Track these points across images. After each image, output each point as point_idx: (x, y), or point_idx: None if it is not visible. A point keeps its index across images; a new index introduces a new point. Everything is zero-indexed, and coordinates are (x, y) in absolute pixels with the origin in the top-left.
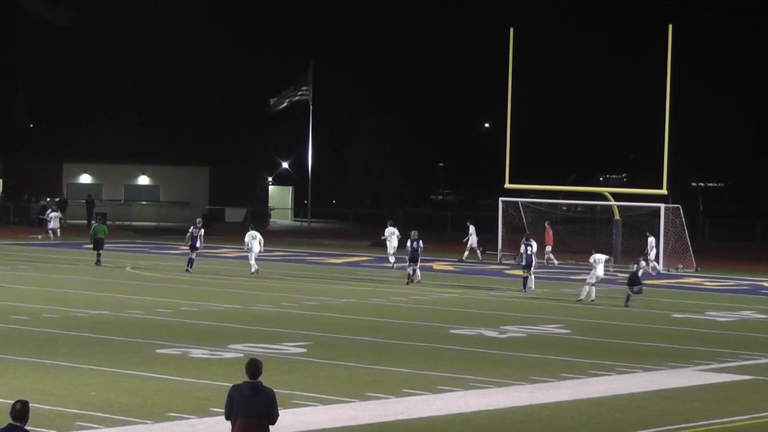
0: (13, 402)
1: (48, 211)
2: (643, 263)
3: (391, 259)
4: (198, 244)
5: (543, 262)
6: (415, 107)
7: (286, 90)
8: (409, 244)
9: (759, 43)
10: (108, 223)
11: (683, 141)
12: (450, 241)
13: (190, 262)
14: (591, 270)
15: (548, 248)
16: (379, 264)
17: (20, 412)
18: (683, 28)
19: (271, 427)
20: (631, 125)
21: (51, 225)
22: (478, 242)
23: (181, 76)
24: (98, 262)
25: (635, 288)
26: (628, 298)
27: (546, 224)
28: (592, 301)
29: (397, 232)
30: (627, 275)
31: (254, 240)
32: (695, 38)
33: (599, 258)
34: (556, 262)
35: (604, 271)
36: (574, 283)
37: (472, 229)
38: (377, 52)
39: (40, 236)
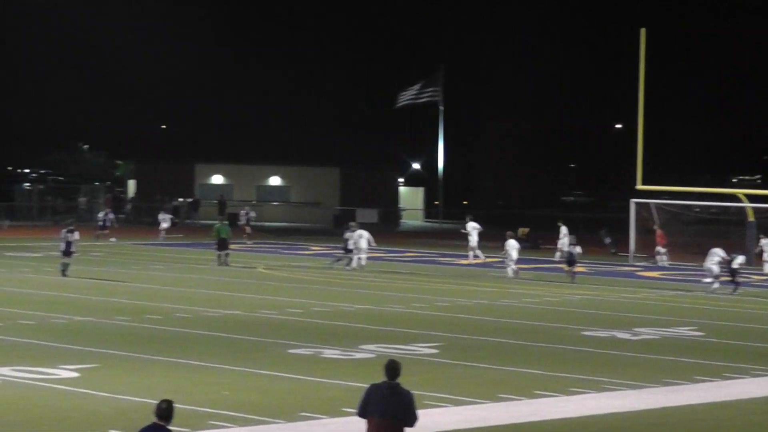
0: (157, 401)
1: (161, 213)
2: (741, 258)
3: (470, 254)
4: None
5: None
6: (547, 109)
7: (412, 88)
8: (567, 248)
9: None
10: (239, 222)
11: None
12: (581, 242)
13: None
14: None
15: (659, 249)
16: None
17: (165, 411)
18: None
19: (408, 429)
20: (765, 126)
21: (162, 225)
22: (610, 242)
23: (312, 78)
24: (223, 263)
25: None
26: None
27: (655, 227)
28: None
29: (478, 227)
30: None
31: (361, 238)
32: None
33: (714, 251)
34: (665, 263)
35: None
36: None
37: (564, 230)
38: (508, 54)
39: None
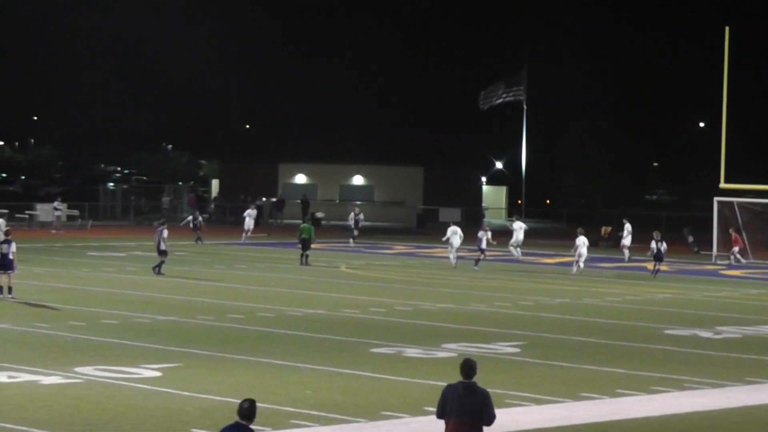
0: (239, 401)
1: (247, 212)
2: None
3: (452, 257)
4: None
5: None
6: (629, 106)
7: (495, 87)
8: (653, 245)
9: None
10: (323, 222)
11: None
12: (665, 241)
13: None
14: None
15: (735, 249)
16: (592, 264)
17: (248, 410)
18: None
19: (486, 428)
20: None
21: (246, 224)
22: (693, 241)
23: (396, 76)
24: (304, 263)
25: None
26: None
27: (731, 231)
28: None
29: (525, 226)
30: None
31: (455, 235)
32: None
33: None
34: (741, 261)
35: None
36: None
37: (628, 227)
38: (590, 52)
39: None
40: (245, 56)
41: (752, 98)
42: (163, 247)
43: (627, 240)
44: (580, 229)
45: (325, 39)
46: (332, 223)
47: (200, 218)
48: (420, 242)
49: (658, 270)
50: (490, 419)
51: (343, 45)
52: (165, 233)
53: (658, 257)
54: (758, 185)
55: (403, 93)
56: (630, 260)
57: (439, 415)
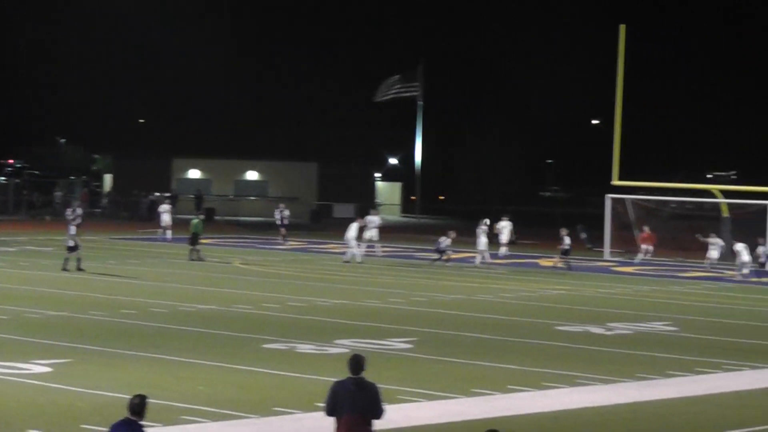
0: (131, 396)
1: (161, 207)
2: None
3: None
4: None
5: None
6: (525, 104)
7: (391, 82)
8: (567, 240)
9: None
10: (216, 217)
11: None
12: (558, 237)
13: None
14: None
15: (644, 247)
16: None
17: (138, 406)
18: None
19: (376, 422)
20: (741, 122)
21: (163, 221)
22: (586, 238)
23: (290, 72)
24: (196, 258)
25: None
26: None
27: (645, 227)
28: None
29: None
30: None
31: (351, 232)
32: None
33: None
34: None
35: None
36: (683, 281)
37: (504, 223)
38: (487, 50)
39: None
40: (138, 50)
41: (646, 96)
42: (71, 243)
43: (504, 236)
44: (485, 220)
45: (217, 33)
46: (226, 218)
47: (79, 212)
48: (314, 238)
49: (562, 265)
50: (380, 413)
51: (236, 39)
52: (73, 229)
53: (565, 252)
54: (650, 182)
55: (297, 88)
56: (505, 257)
57: (330, 413)
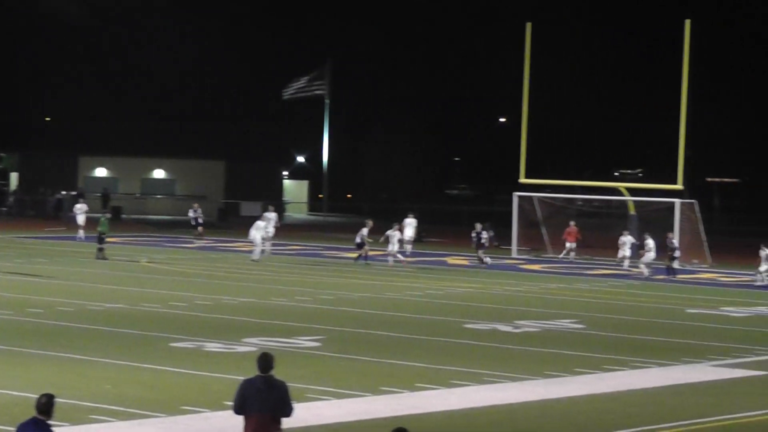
0: (37, 396)
1: (76, 207)
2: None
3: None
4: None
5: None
6: (432, 102)
7: (299, 81)
8: (485, 234)
9: None
10: (123, 216)
11: (699, 136)
12: (466, 235)
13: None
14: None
15: (569, 244)
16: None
17: (45, 405)
18: (701, 23)
19: (285, 419)
20: (647, 120)
21: (79, 220)
22: (493, 235)
23: (198, 69)
24: (102, 256)
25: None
26: None
27: (571, 224)
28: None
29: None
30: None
31: (258, 230)
32: (713, 33)
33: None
34: (569, 256)
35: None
36: (590, 279)
37: (409, 221)
38: (394, 49)
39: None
40: (44, 47)
41: (553, 94)
42: None
43: (409, 233)
44: (396, 225)
45: (125, 30)
46: (133, 217)
47: None
48: (221, 236)
49: (484, 260)
50: (289, 411)
51: (143, 36)
52: None
53: (480, 245)
54: (557, 180)
55: (204, 85)
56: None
57: (238, 411)
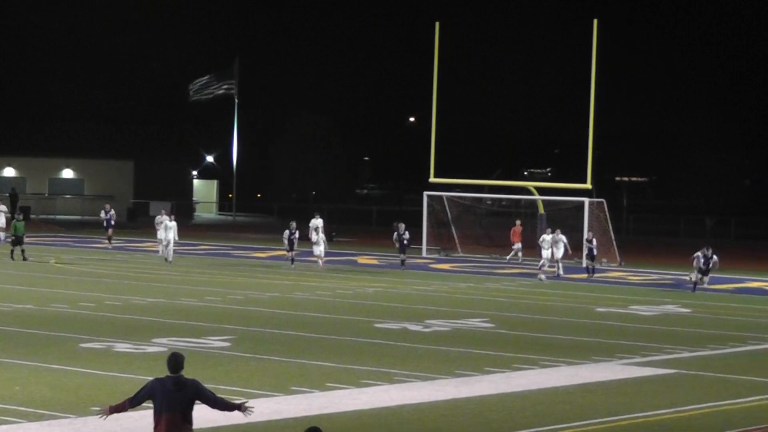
0: None
1: None
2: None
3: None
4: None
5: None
6: (342, 102)
7: (207, 81)
8: (397, 236)
9: (685, 39)
10: (32, 216)
11: (608, 136)
12: (375, 235)
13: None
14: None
15: (516, 246)
16: (305, 258)
17: None
18: (609, 23)
19: (214, 410)
20: (556, 120)
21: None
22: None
23: (106, 68)
24: (20, 258)
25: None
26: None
27: (517, 223)
28: None
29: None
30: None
31: (168, 230)
32: (622, 33)
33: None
34: (518, 257)
35: None
36: (499, 277)
37: (314, 221)
38: (304, 48)
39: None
40: None
41: (462, 94)
42: None
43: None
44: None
45: (32, 28)
46: (42, 217)
47: None
48: (130, 236)
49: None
50: (216, 401)
51: (51, 33)
52: None
53: (402, 246)
54: (467, 180)
55: (112, 85)
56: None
57: (134, 401)
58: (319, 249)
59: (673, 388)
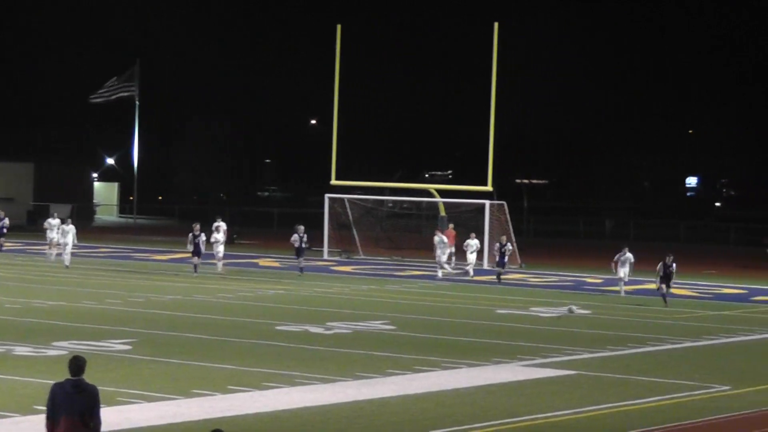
0: None
1: None
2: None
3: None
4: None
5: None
6: (243, 104)
7: (108, 83)
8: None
9: (587, 41)
10: None
11: (508, 138)
12: (276, 237)
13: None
14: None
15: (449, 249)
16: (206, 260)
17: None
18: (509, 25)
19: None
20: (456, 122)
21: None
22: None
23: (6, 70)
24: None
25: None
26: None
27: (450, 227)
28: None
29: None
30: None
31: (69, 234)
32: (522, 35)
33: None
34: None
35: None
36: (400, 280)
37: (218, 224)
38: (204, 49)
39: None
40: None
41: (363, 96)
42: None
43: (220, 236)
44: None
45: None
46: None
47: None
48: (30, 239)
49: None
50: (97, 425)
51: None
52: None
53: (300, 253)
54: (368, 182)
55: (11, 86)
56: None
57: (50, 415)
58: (219, 250)
59: (573, 389)
